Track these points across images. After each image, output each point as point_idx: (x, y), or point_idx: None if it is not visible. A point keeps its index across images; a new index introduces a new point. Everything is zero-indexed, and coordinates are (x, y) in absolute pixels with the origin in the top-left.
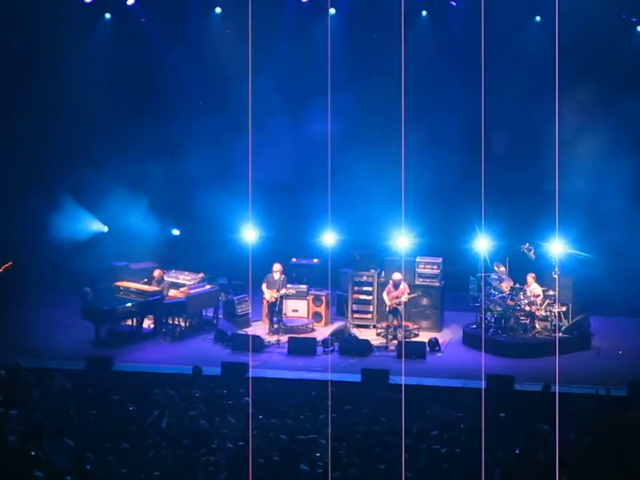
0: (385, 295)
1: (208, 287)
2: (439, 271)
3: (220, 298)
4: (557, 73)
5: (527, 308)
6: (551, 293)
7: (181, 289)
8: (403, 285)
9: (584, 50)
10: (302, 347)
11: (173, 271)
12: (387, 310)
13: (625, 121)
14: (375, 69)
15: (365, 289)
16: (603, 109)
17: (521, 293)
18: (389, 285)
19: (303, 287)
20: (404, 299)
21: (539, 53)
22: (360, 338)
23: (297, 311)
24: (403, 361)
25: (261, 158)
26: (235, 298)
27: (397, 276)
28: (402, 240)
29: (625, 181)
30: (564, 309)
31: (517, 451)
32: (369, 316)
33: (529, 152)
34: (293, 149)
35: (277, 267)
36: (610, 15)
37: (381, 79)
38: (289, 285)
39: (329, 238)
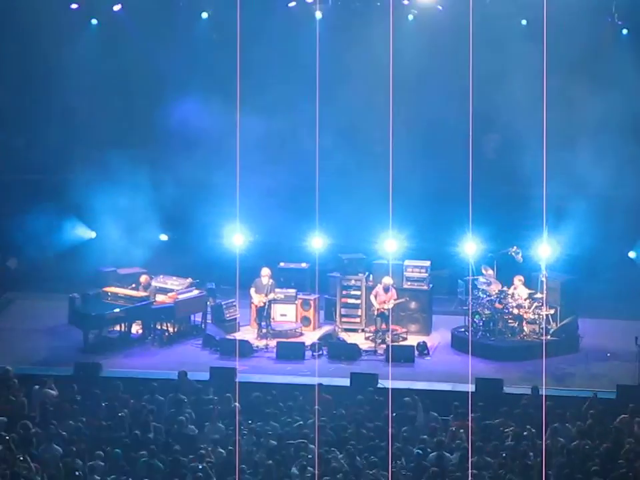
0: (372, 297)
1: (196, 291)
2: (427, 274)
3: (208, 303)
4: (544, 77)
5: (515, 311)
6: (539, 295)
7: (169, 294)
8: (392, 291)
9: (570, 53)
10: (290, 351)
11: (161, 276)
12: (375, 313)
13: (611, 123)
14: (362, 73)
15: (353, 292)
16: (590, 111)
17: (509, 296)
18: (378, 288)
19: (291, 291)
20: (389, 305)
21: (526, 57)
22: (348, 342)
23: (285, 315)
24: (391, 364)
25: (249, 163)
26: (223, 303)
27: (387, 280)
28: (390, 244)
29: (611, 183)
30: (552, 311)
31: (503, 455)
32: (357, 320)
33: (517, 155)
34: (280, 154)
35: (265, 271)
36: (595, 18)
37: (368, 82)
38: (277, 290)
39: (317, 242)
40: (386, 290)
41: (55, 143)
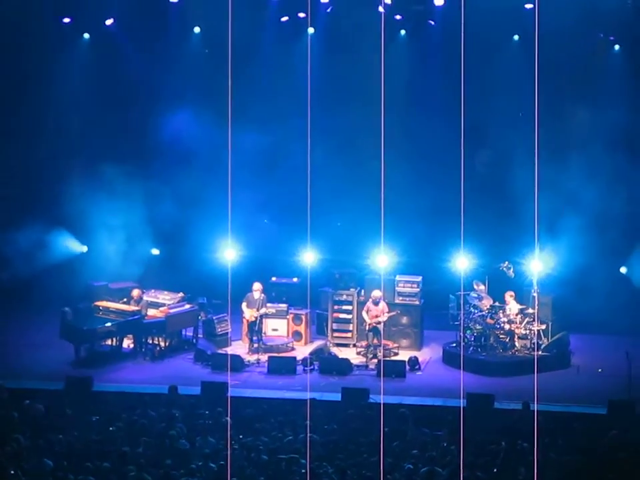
0: (364, 313)
1: (187, 306)
2: (418, 289)
3: (199, 317)
4: (536, 92)
5: (507, 326)
6: (531, 311)
7: (161, 309)
8: (382, 304)
9: (562, 69)
10: (282, 366)
11: (153, 291)
12: (367, 328)
13: (603, 138)
14: (354, 88)
15: (344, 307)
16: (582, 126)
17: (501, 311)
18: (369, 303)
19: (283, 306)
20: (383, 318)
21: (518, 72)
22: (340, 357)
23: (276, 329)
24: (382, 379)
25: (241, 178)
26: (214, 317)
27: (376, 293)
28: (382, 258)
29: (602, 198)
30: (543, 327)
31: (495, 470)
32: (349, 335)
33: (509, 170)
34: (273, 169)
35: (256, 285)
36: (587, 34)
37: (360, 97)
38: (268, 304)
39: (308, 257)
40: (376, 303)
41: (46, 157)
